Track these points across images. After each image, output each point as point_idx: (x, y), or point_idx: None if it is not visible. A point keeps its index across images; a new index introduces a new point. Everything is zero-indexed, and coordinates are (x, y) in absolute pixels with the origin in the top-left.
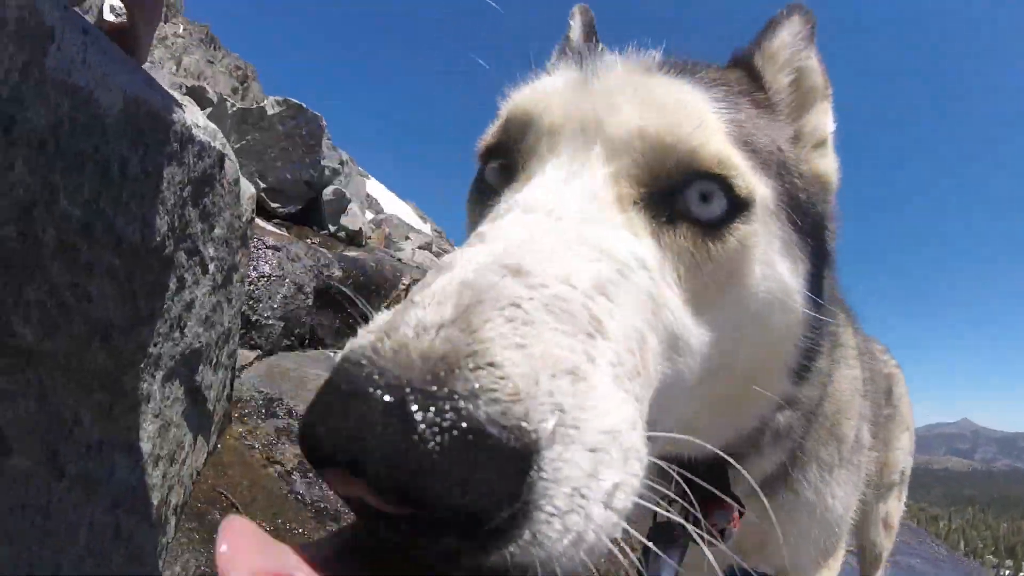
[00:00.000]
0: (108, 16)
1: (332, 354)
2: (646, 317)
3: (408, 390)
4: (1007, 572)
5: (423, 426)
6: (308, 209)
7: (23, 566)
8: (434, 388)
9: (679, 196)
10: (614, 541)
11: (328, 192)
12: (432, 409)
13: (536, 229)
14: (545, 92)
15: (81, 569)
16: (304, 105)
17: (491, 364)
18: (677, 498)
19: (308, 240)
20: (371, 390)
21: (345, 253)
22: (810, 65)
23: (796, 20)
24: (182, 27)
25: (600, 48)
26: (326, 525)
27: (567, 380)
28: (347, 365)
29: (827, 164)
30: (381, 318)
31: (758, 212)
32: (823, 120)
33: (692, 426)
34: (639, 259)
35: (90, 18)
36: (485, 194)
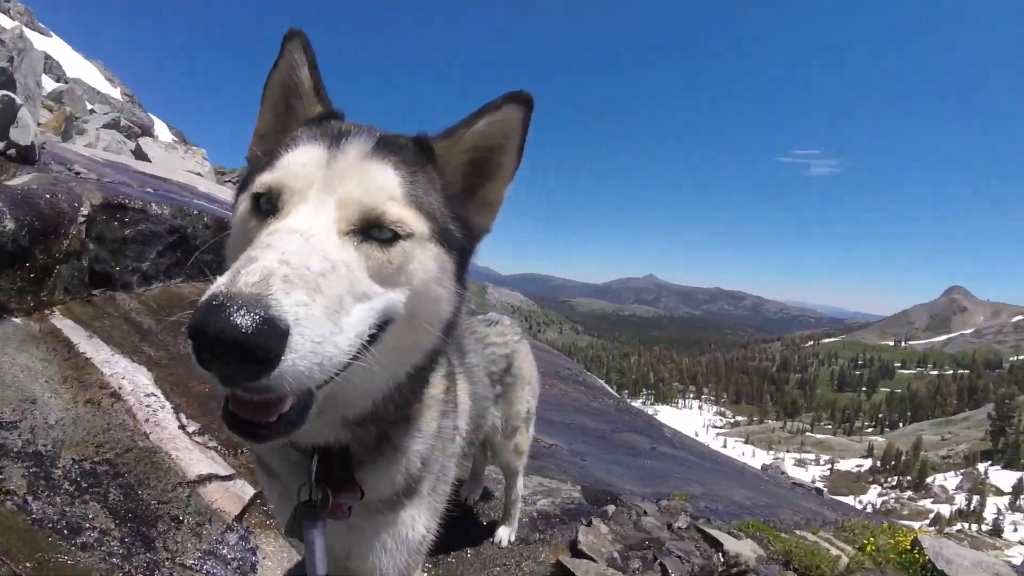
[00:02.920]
0: None
1: (18, 321)
2: (345, 286)
3: (236, 305)
4: (691, 393)
5: (238, 316)
6: None
7: None
8: (249, 304)
9: (373, 230)
10: None
11: None
12: (243, 311)
13: (297, 243)
14: (302, 166)
15: None
16: None
17: (271, 296)
18: (317, 483)
19: None
20: (225, 303)
21: (11, 186)
22: (502, 147)
23: (505, 110)
24: None
25: (338, 129)
26: (71, 543)
27: (306, 308)
28: (214, 297)
29: (484, 220)
30: (223, 279)
31: (416, 238)
32: (496, 193)
33: (351, 390)
34: (344, 260)
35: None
36: (260, 210)
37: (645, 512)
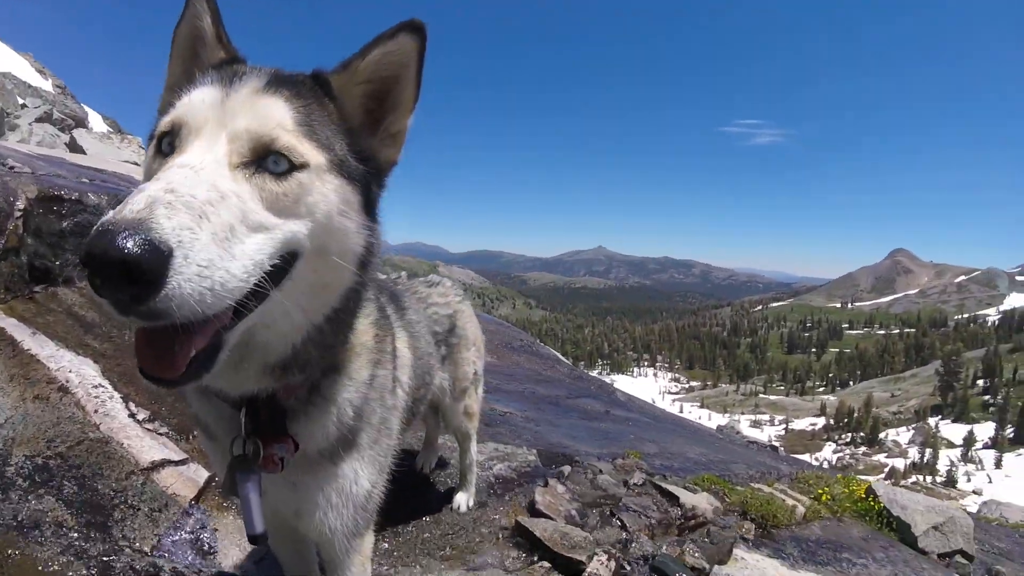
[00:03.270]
0: None
1: None
2: (236, 215)
3: (119, 229)
4: (645, 361)
5: (120, 239)
6: None
7: None
8: (131, 228)
9: (267, 162)
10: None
11: None
12: (125, 233)
13: (185, 174)
14: (197, 105)
15: None
16: None
17: (152, 220)
18: (248, 435)
19: None
20: (110, 228)
21: None
22: (400, 76)
23: (400, 39)
24: None
25: (235, 70)
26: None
27: (189, 232)
28: (101, 224)
29: (388, 152)
30: (112, 211)
31: (313, 169)
32: (398, 124)
33: (267, 333)
34: (235, 191)
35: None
36: (162, 153)
37: (601, 471)
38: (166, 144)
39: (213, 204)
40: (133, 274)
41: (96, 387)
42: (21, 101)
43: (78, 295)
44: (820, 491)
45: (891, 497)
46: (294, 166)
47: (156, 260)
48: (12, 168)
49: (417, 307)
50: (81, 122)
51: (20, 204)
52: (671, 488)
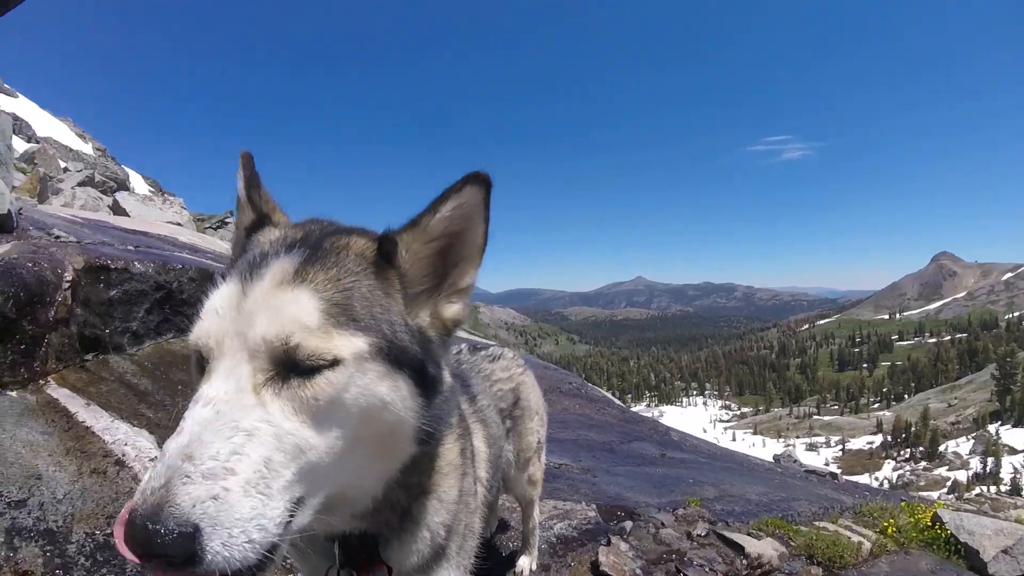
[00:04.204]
0: None
1: (14, 394)
2: (269, 447)
3: (144, 519)
4: (694, 391)
5: (150, 533)
6: None
7: None
8: (152, 517)
9: (291, 368)
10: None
11: None
12: (150, 525)
13: (207, 419)
14: (210, 322)
15: None
16: None
17: (170, 505)
18: (342, 567)
19: None
20: (136, 520)
21: None
22: (467, 229)
23: (467, 191)
24: None
25: (260, 250)
26: None
27: (213, 503)
28: (132, 511)
29: (454, 309)
30: (139, 488)
31: (348, 362)
32: (466, 278)
33: (344, 496)
34: (264, 420)
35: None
36: (200, 368)
37: (663, 524)
38: (197, 359)
39: (239, 452)
40: (171, 562)
41: (152, 460)
42: (64, 165)
43: (129, 362)
44: (885, 524)
45: (958, 523)
46: (322, 366)
47: (182, 545)
48: (58, 238)
49: (484, 387)
50: (123, 184)
51: (68, 275)
52: (735, 537)
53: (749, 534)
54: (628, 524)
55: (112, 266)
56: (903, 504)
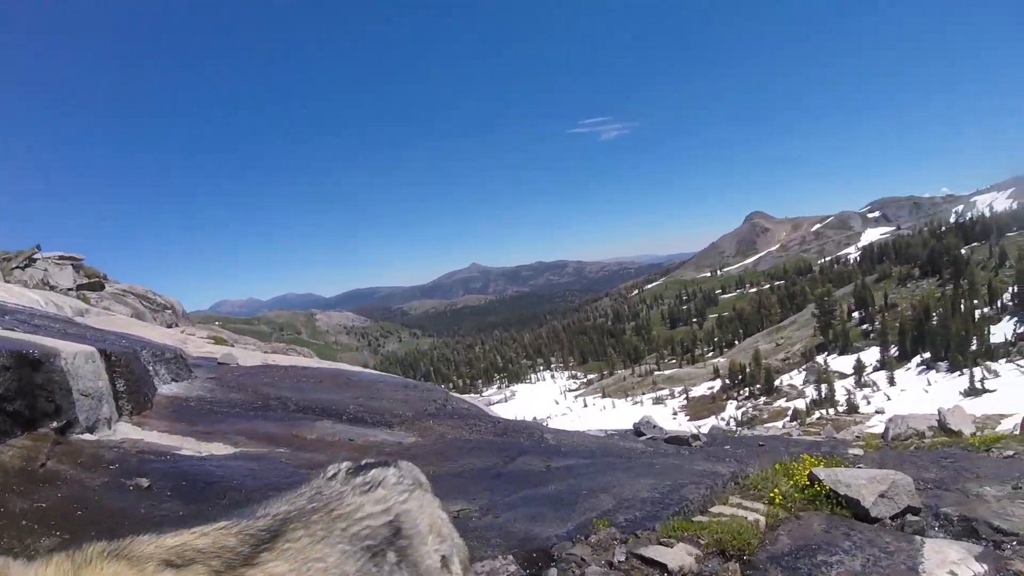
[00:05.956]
0: None
1: None
2: None
3: None
4: (540, 366)
5: None
6: None
7: None
8: None
9: None
10: None
11: None
12: None
13: None
14: None
15: None
16: None
17: None
18: None
19: None
20: None
21: None
22: None
23: None
24: None
25: None
26: None
27: None
28: None
29: None
30: None
31: None
32: None
33: None
34: None
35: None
36: None
37: (583, 560)
38: None
39: None
40: None
41: None
42: None
43: None
44: (772, 493)
45: (834, 479)
46: None
47: None
48: None
49: (329, 537)
50: None
51: None
52: (651, 553)
53: (661, 542)
54: (552, 572)
55: None
56: (777, 466)
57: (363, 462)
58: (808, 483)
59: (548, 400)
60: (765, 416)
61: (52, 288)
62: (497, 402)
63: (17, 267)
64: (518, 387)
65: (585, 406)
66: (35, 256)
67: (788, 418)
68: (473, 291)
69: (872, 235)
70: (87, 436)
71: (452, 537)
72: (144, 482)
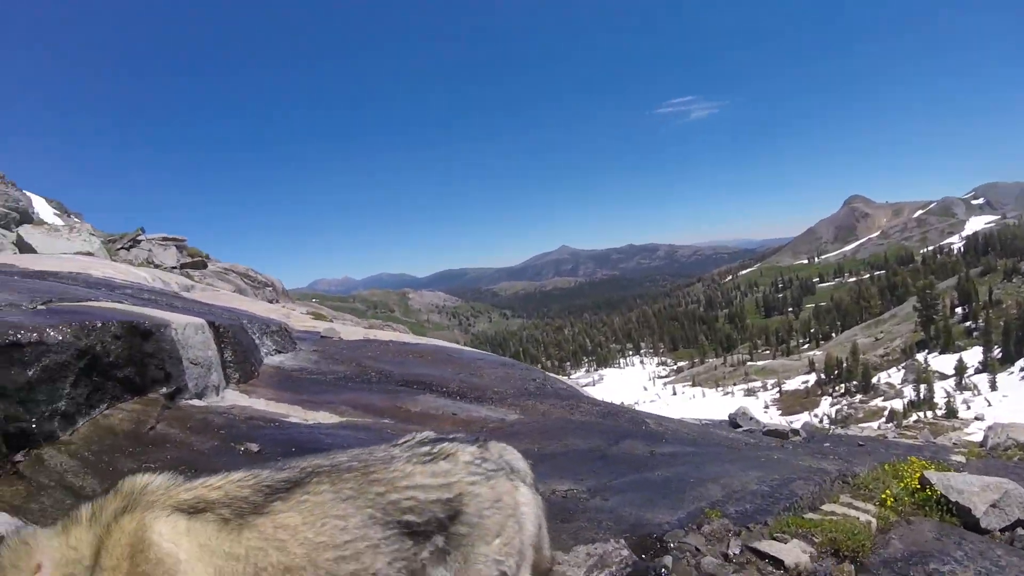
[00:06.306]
0: None
1: None
2: None
3: None
4: (630, 351)
5: None
6: None
7: None
8: None
9: None
10: None
11: None
12: None
13: None
14: None
15: None
16: None
17: None
18: None
19: None
20: None
21: None
22: None
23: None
24: None
25: None
26: None
27: None
28: None
29: None
30: None
31: None
32: None
33: None
34: None
35: None
36: None
37: (698, 550)
38: None
39: None
40: None
41: None
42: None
43: (67, 456)
44: (883, 495)
45: (946, 483)
46: None
47: None
48: None
49: (358, 499)
50: (26, 213)
51: None
52: (768, 548)
53: (774, 537)
54: (667, 560)
55: (24, 341)
56: (886, 467)
57: (450, 435)
58: (918, 487)
59: (637, 386)
60: (860, 415)
61: (156, 267)
62: (585, 385)
63: (122, 248)
64: (606, 371)
65: (674, 394)
66: (139, 238)
67: (884, 419)
68: (563, 273)
69: (976, 223)
70: (196, 402)
71: (524, 554)
72: (254, 447)
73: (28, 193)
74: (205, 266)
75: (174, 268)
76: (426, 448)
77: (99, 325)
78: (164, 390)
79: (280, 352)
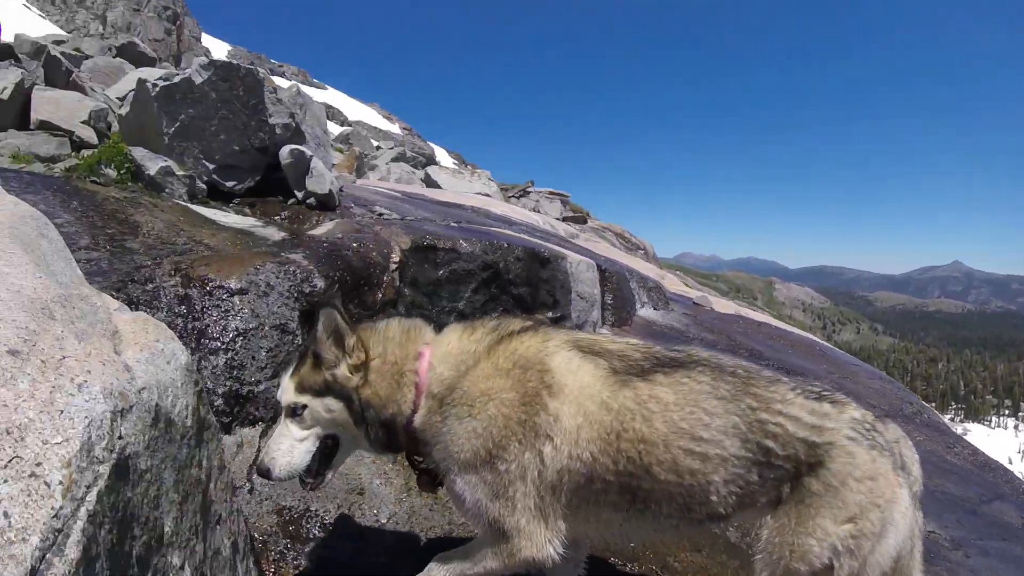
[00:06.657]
0: None
1: None
2: (291, 440)
3: (258, 468)
4: (1007, 411)
5: (259, 472)
6: (268, 178)
7: None
8: (259, 468)
9: (295, 409)
10: None
11: (284, 154)
12: (259, 469)
13: (273, 437)
14: (279, 394)
15: None
16: (235, 62)
17: (263, 463)
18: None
19: (276, 237)
20: (256, 468)
21: (315, 235)
22: (322, 340)
23: (320, 322)
24: None
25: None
26: None
27: (272, 460)
28: (257, 463)
29: (353, 377)
30: (261, 453)
31: (308, 404)
32: (340, 367)
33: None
34: (287, 432)
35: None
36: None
37: None
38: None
39: (280, 441)
40: (264, 476)
41: None
42: (376, 144)
43: None
44: None
45: None
46: (302, 406)
47: (266, 473)
48: (381, 215)
49: (731, 403)
50: (431, 159)
51: (395, 256)
52: None
53: None
54: None
55: (440, 246)
56: None
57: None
58: None
59: (1001, 455)
60: None
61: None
62: None
63: (513, 196)
64: (972, 426)
65: None
66: (528, 189)
67: None
68: (950, 294)
69: None
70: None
71: (869, 566)
72: None
73: (432, 144)
74: (585, 222)
75: (557, 220)
76: (818, 388)
77: (505, 245)
78: (550, 314)
79: (654, 308)
